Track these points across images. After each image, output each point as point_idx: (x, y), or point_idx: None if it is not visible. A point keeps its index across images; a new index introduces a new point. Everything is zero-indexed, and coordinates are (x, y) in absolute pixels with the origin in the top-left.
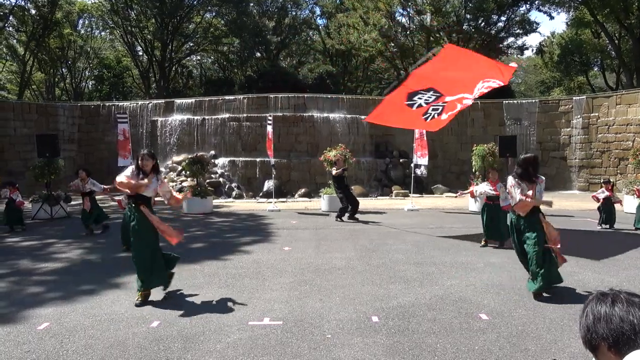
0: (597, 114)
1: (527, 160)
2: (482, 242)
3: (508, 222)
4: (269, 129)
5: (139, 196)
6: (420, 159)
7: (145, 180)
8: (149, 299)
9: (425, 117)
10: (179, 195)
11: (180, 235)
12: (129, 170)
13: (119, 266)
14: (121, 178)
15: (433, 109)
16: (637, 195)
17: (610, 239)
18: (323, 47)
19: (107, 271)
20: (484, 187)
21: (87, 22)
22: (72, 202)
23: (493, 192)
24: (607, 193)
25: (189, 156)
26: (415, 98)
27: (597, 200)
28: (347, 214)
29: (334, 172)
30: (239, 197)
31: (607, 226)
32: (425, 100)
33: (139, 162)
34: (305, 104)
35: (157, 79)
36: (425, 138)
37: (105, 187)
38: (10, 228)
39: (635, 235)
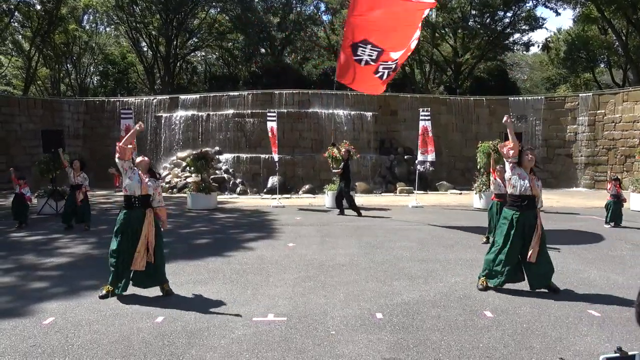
0: (603, 111)
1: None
2: (484, 240)
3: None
4: (273, 125)
5: (143, 198)
6: (425, 155)
7: (130, 146)
8: (155, 294)
9: (378, 75)
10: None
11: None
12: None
13: None
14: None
15: (384, 67)
16: None
17: (616, 237)
18: (328, 43)
19: None
20: (497, 181)
21: (92, 17)
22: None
23: (504, 190)
24: (616, 189)
25: (194, 152)
26: (359, 52)
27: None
28: (343, 206)
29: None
30: (243, 193)
31: (613, 224)
32: (369, 55)
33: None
34: (309, 100)
35: (162, 74)
36: (430, 134)
37: (86, 189)
38: (20, 223)
39: None
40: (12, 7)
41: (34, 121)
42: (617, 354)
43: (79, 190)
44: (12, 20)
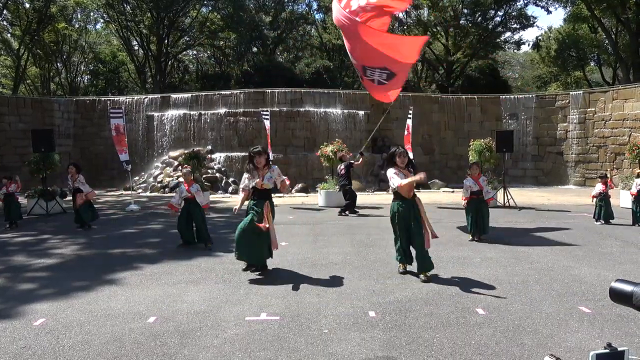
0: (593, 109)
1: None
2: (470, 237)
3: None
4: (267, 124)
5: (261, 192)
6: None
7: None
8: (147, 295)
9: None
10: (287, 181)
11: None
12: (245, 179)
13: (114, 262)
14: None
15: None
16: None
17: (607, 234)
18: (320, 42)
19: (102, 267)
20: (469, 182)
21: (81, 16)
22: (68, 198)
23: (477, 187)
24: (602, 187)
25: (186, 151)
26: (368, 73)
27: (595, 196)
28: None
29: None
30: (236, 192)
31: (603, 221)
32: (379, 76)
33: (253, 160)
34: (302, 99)
35: (153, 73)
36: (406, 132)
37: (90, 191)
38: (11, 223)
39: (631, 230)
40: (1, 5)
41: (23, 120)
42: (607, 350)
43: (78, 193)
44: (0, 18)
